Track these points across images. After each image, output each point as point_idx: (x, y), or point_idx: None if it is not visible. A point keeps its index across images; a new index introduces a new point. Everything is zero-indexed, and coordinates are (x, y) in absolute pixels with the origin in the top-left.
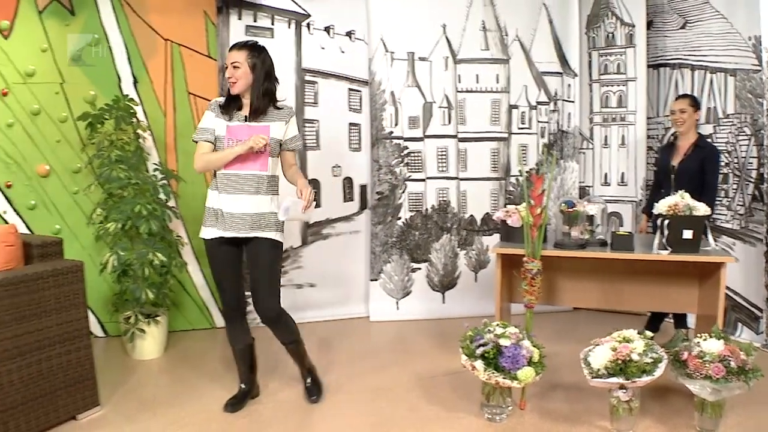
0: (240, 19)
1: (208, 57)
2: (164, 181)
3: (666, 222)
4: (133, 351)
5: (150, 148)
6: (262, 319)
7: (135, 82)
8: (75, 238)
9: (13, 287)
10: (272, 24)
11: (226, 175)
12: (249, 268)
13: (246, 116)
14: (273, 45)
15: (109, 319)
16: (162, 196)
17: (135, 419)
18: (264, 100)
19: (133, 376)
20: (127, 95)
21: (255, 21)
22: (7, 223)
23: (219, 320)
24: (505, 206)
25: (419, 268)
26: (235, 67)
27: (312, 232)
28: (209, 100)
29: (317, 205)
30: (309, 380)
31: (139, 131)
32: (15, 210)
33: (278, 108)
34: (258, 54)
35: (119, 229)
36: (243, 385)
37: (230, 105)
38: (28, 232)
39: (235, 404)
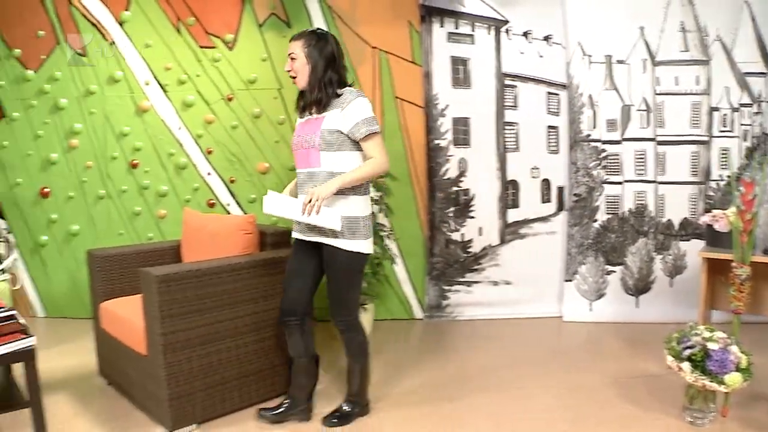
0: (442, 26)
1: (413, 63)
2: (383, 178)
3: None
4: None
5: None
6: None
7: None
8: None
9: (253, 270)
10: (473, 30)
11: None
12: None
13: (312, 111)
14: (474, 51)
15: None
16: (377, 192)
17: None
18: (326, 91)
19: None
20: None
21: (456, 28)
22: (229, 214)
23: (418, 312)
24: (708, 211)
25: (614, 271)
26: (291, 58)
27: (510, 231)
28: (415, 104)
29: (513, 206)
30: (345, 406)
31: None
32: (237, 203)
33: (338, 95)
34: (316, 41)
35: None
36: (287, 401)
37: (301, 101)
38: None
39: (273, 418)
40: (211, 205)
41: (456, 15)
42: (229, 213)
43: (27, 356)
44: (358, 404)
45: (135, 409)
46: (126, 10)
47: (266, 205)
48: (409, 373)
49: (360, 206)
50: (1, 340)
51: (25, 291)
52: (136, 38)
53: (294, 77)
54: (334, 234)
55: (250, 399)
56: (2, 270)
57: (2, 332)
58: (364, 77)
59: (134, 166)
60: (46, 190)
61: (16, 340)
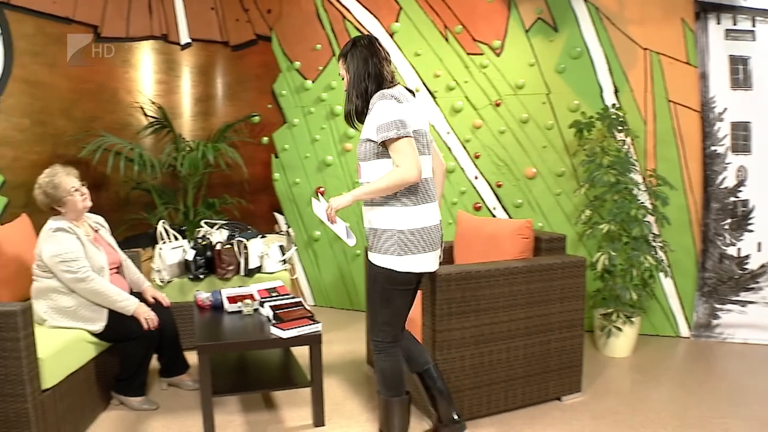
0: (719, 23)
1: (688, 64)
2: (659, 187)
3: None
4: (605, 347)
5: (630, 155)
6: None
7: (616, 91)
8: None
9: (529, 275)
10: (753, 26)
11: None
12: None
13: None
14: (755, 48)
15: None
16: (651, 202)
17: (615, 411)
18: (360, 100)
19: (607, 370)
20: (614, 104)
21: (734, 24)
22: (494, 217)
23: (684, 330)
24: None
25: None
26: (342, 79)
27: None
28: (690, 108)
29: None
30: None
31: (627, 138)
32: (503, 207)
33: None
34: (350, 50)
35: (611, 230)
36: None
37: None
38: None
39: None
40: (477, 209)
41: (734, 10)
42: (494, 217)
43: (314, 340)
44: None
45: None
46: (396, 21)
47: (315, 207)
48: (672, 393)
49: (394, 219)
50: (293, 323)
51: (298, 281)
52: (405, 47)
53: None
54: (375, 248)
55: (515, 402)
56: (284, 261)
57: (294, 317)
58: (635, 80)
59: None
60: (321, 189)
61: (306, 325)
